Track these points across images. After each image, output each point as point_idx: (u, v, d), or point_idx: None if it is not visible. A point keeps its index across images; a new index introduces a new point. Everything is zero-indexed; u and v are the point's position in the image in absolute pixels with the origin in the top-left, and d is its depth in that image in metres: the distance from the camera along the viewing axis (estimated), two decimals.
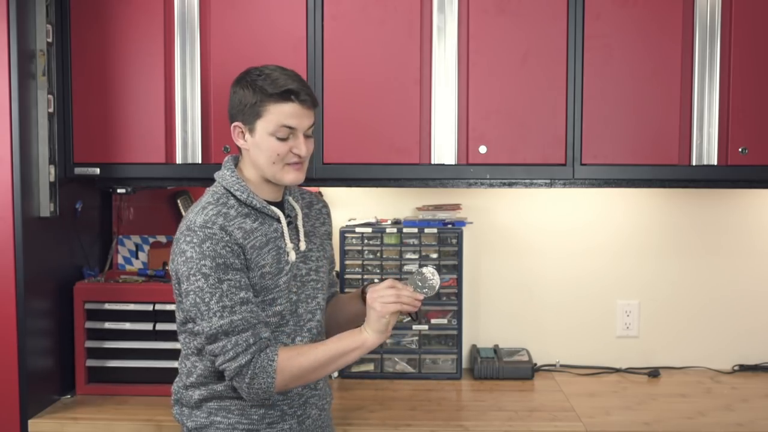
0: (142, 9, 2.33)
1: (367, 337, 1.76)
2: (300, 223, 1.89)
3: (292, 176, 1.81)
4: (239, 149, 1.85)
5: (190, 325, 1.80)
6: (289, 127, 1.77)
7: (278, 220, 1.83)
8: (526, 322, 2.81)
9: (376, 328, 1.75)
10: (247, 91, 1.77)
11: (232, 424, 1.81)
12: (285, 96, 1.75)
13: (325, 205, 2.04)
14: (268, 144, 1.77)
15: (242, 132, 1.80)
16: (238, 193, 1.80)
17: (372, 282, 2.12)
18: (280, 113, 1.76)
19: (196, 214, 1.76)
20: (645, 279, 2.79)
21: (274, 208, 1.83)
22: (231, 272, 1.72)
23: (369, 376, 2.63)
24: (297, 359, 1.73)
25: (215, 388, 1.80)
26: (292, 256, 1.83)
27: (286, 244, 1.83)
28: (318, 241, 1.94)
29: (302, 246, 1.87)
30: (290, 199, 1.91)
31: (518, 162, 2.34)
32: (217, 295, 1.70)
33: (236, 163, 1.88)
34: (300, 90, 1.77)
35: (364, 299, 2.05)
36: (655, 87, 2.31)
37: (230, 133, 1.79)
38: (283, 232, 1.83)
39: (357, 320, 1.94)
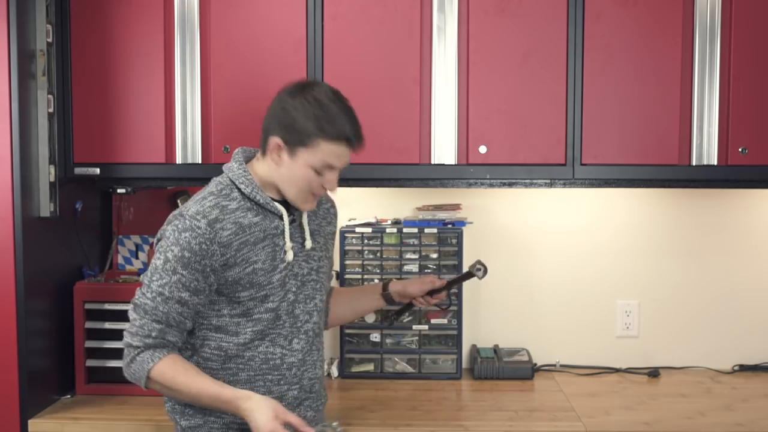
0: (142, 9, 2.34)
1: (246, 409, 1.69)
2: (305, 221, 1.88)
3: (311, 206, 1.83)
4: (261, 152, 1.83)
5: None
6: (331, 166, 1.77)
7: (281, 217, 1.82)
8: (526, 322, 2.81)
9: (255, 421, 1.68)
10: (300, 114, 1.73)
11: (226, 424, 1.81)
12: (339, 139, 1.74)
13: (333, 205, 2.03)
14: (304, 174, 1.76)
15: (280, 148, 1.76)
16: (242, 187, 1.79)
17: (391, 280, 2.13)
18: (329, 152, 1.74)
19: (194, 203, 1.77)
20: (645, 279, 2.79)
21: (277, 204, 1.81)
22: (189, 270, 1.72)
23: (369, 376, 2.63)
24: (171, 376, 1.73)
25: None
26: (290, 256, 1.82)
27: (285, 242, 1.82)
28: (322, 240, 1.94)
29: (308, 245, 1.86)
30: None
31: (518, 162, 2.34)
32: (163, 280, 1.72)
33: (247, 157, 1.86)
34: (353, 136, 1.76)
35: (385, 297, 2.09)
36: (655, 87, 2.31)
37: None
38: (283, 230, 1.82)
39: (365, 314, 1.96)
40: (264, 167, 1.82)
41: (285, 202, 1.85)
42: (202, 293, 1.76)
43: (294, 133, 1.74)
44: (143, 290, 1.75)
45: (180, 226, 1.72)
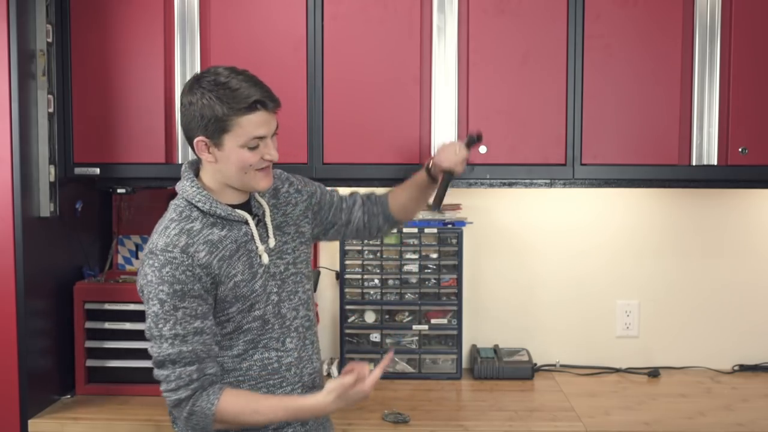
0: (142, 9, 2.34)
1: (323, 404, 1.70)
2: (268, 219, 1.84)
3: (266, 182, 1.77)
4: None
5: None
6: (260, 137, 1.72)
7: (246, 223, 1.79)
8: (526, 322, 2.81)
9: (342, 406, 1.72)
10: (206, 104, 1.69)
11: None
12: (252, 107, 1.69)
13: (292, 183, 1.95)
14: (238, 156, 1.72)
15: (207, 146, 1.73)
16: (200, 204, 1.74)
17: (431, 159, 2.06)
18: (249, 125, 1.70)
19: (159, 235, 1.72)
20: (645, 279, 2.79)
21: (239, 211, 1.78)
22: (188, 299, 1.68)
23: None
24: (236, 412, 1.69)
25: None
26: (265, 259, 1.79)
27: (257, 247, 1.79)
28: (292, 228, 1.89)
29: (271, 243, 1.82)
30: (257, 194, 1.85)
31: (518, 162, 2.34)
32: (170, 322, 1.67)
33: (196, 169, 1.82)
34: (264, 98, 1.71)
35: (428, 173, 2.06)
36: (655, 87, 2.31)
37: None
38: (252, 235, 1.79)
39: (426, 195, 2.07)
40: (208, 173, 1.78)
41: (247, 204, 1.82)
42: (210, 314, 1.73)
43: (210, 125, 1.70)
44: (157, 342, 1.69)
45: (156, 264, 1.67)
